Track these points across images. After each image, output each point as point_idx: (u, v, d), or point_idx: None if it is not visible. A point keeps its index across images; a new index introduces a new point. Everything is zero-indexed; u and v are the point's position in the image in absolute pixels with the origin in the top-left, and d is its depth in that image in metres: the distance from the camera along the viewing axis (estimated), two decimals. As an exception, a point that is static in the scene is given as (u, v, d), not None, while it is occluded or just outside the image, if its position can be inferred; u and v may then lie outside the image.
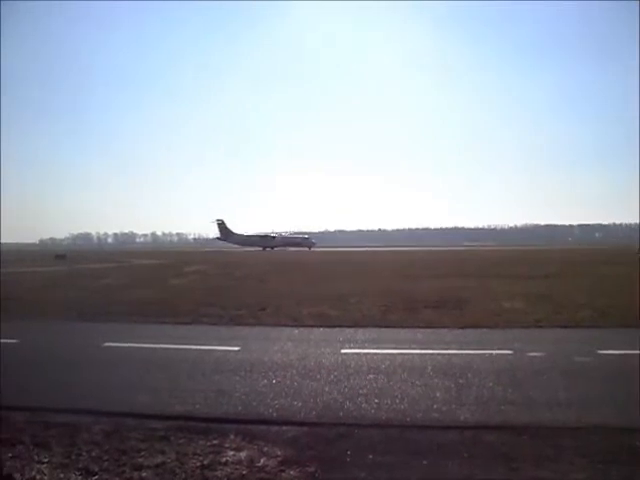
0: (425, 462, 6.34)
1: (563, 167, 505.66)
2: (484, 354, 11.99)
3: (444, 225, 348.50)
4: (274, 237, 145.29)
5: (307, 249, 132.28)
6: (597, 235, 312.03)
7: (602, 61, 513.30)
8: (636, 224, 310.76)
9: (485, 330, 15.28)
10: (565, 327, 15.51)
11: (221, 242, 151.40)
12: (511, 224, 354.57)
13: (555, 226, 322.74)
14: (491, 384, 9.56)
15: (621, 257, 66.00)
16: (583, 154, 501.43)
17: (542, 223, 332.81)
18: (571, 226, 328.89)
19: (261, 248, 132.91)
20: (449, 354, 12.10)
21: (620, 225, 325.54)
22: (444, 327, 15.67)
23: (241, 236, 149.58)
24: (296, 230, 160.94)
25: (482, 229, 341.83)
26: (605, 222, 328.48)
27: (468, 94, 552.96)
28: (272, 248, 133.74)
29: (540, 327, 15.59)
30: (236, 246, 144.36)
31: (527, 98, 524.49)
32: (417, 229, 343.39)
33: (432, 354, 12.06)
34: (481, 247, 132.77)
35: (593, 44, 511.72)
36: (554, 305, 19.48)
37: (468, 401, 8.66)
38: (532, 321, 16.29)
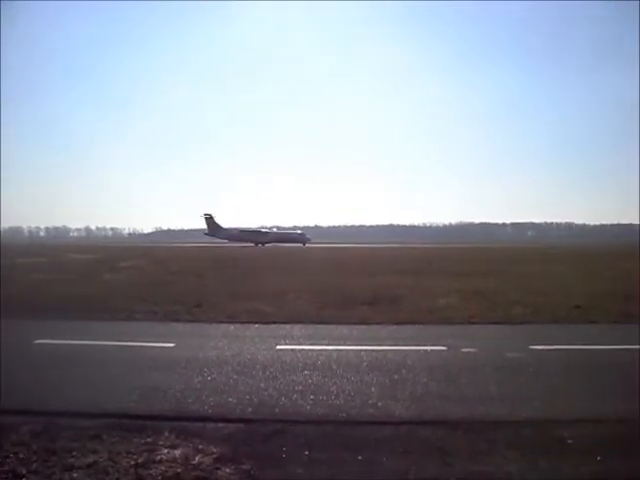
0: (360, 458, 6.37)
1: (498, 167, 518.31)
2: (418, 350, 12.15)
3: (380, 222, 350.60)
4: (267, 232, 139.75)
5: (302, 245, 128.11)
6: (529, 233, 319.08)
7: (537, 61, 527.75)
8: (567, 223, 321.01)
9: (420, 326, 15.49)
10: (498, 323, 15.86)
11: (207, 237, 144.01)
12: (446, 222, 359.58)
13: (489, 224, 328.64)
14: (425, 379, 9.70)
15: (552, 255, 68.06)
16: (517, 155, 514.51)
17: (476, 221, 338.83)
18: (504, 224, 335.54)
19: (253, 244, 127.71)
20: (384, 350, 12.20)
21: (552, 224, 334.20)
22: (379, 323, 15.83)
23: (230, 231, 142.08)
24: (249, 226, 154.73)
25: (417, 227, 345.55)
26: (537, 221, 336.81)
27: (407, 94, 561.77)
28: (263, 244, 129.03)
29: (474, 323, 15.89)
30: (225, 242, 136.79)
31: (469, 98, 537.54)
32: (353, 226, 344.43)
33: (367, 350, 12.15)
34: (417, 244, 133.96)
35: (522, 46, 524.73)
36: (488, 302, 19.91)
37: (403, 396, 8.74)
38: (466, 317, 16.60)
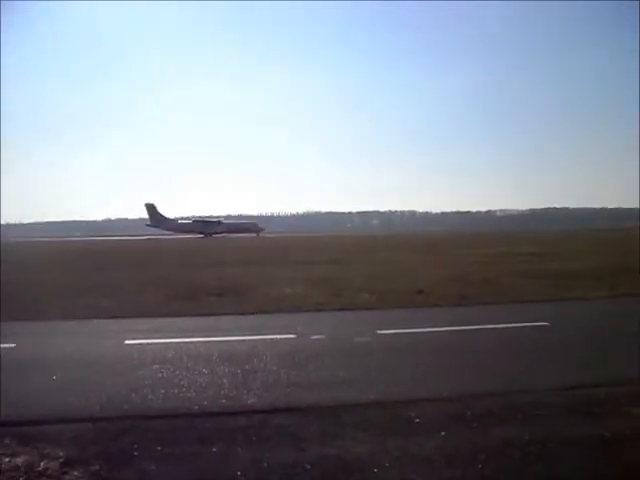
0: (215, 449, 6.33)
1: (345, 157, 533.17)
2: (268, 339, 12.22)
3: (229, 212, 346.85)
4: (218, 223, 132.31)
5: (255, 235, 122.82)
6: (374, 222, 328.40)
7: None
8: (410, 211, 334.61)
9: (269, 315, 15.63)
10: (346, 310, 16.27)
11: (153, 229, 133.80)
12: (293, 211, 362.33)
13: (335, 213, 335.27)
14: (276, 368, 9.77)
15: (396, 242, 70.75)
16: (365, 146, 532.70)
17: (323, 210, 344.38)
18: (350, 213, 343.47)
19: (202, 235, 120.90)
20: (234, 340, 12.19)
21: (395, 212, 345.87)
22: (228, 314, 15.82)
23: (175, 222, 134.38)
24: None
25: (264, 216, 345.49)
26: (382, 209, 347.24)
27: (265, 84, 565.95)
28: (210, 235, 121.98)
29: (322, 311, 16.21)
30: (168, 233, 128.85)
31: (317, 91, 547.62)
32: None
33: (217, 341, 12.10)
34: (273, 234, 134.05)
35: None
36: (335, 289, 20.37)
37: (255, 386, 8.77)
38: (314, 305, 16.89)
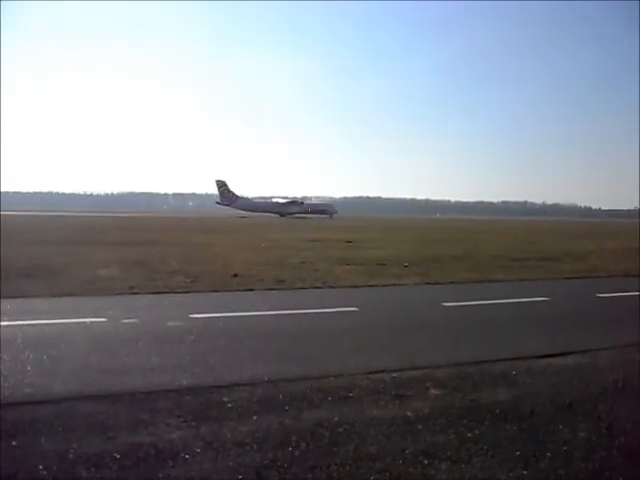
0: (15, 443, 5.93)
1: (161, 137, 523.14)
2: (77, 322, 11.76)
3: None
4: (292, 203, 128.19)
5: (328, 217, 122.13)
6: (190, 204, 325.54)
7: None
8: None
9: (80, 298, 14.97)
10: (159, 293, 15.99)
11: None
12: (108, 191, 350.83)
13: (151, 194, 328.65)
14: (85, 353, 9.43)
15: (212, 225, 70.51)
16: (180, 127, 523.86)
17: (138, 191, 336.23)
18: (166, 195, 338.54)
19: (277, 215, 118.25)
20: (41, 324, 11.55)
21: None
22: (38, 296, 14.91)
23: (249, 201, 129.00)
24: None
25: (77, 195, 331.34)
26: (199, 192, 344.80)
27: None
28: (282, 215, 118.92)
29: (135, 294, 15.80)
30: (242, 212, 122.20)
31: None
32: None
33: (22, 325, 11.35)
34: (80, 214, 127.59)
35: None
36: (149, 271, 20.03)
37: (62, 372, 8.38)
38: (126, 288, 16.43)
